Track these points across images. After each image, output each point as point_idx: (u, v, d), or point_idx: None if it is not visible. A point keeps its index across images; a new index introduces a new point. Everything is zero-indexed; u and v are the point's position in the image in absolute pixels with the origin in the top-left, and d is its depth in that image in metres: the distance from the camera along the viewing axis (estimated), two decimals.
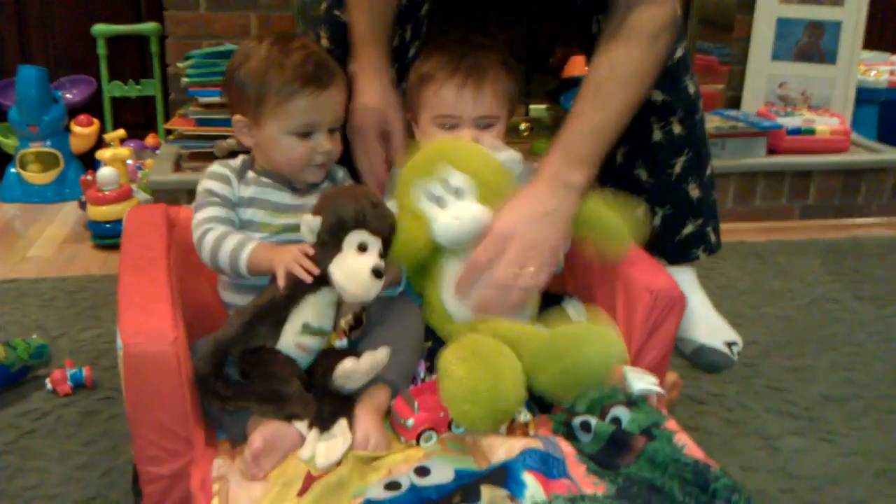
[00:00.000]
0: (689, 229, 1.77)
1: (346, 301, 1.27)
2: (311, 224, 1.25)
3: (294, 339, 1.25)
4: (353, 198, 1.28)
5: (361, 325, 1.30)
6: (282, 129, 1.36)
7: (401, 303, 1.38)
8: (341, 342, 1.28)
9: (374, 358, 1.20)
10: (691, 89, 1.70)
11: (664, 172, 1.73)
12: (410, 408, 1.20)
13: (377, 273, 1.23)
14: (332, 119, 1.39)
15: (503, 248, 1.30)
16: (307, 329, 1.25)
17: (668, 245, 1.78)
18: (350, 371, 1.19)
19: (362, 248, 1.25)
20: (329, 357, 1.26)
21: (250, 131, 1.40)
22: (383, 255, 1.28)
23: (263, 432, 1.13)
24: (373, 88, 1.52)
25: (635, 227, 1.38)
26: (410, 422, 1.19)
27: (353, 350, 1.27)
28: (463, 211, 1.32)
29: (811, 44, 3.19)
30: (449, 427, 1.21)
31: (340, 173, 1.49)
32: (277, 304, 1.24)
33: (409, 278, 1.41)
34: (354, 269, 1.23)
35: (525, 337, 1.24)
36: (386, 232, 1.28)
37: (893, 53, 3.50)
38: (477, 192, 1.33)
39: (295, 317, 1.25)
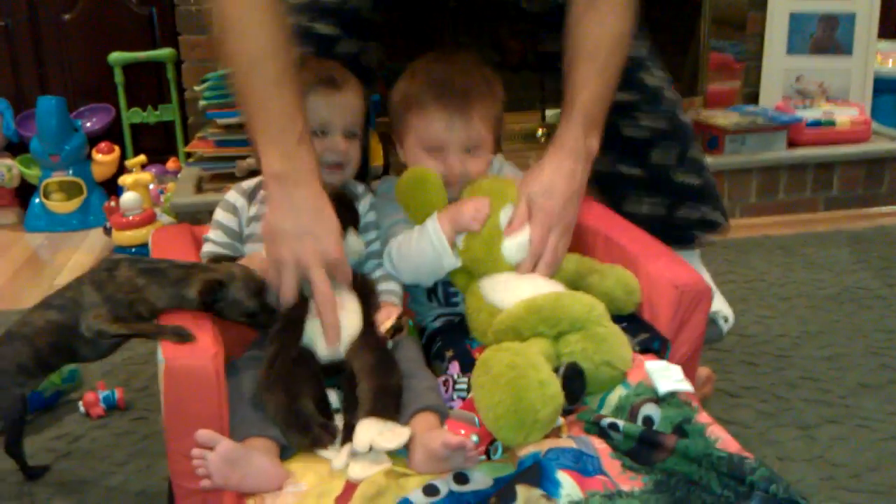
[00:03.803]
0: (684, 213, 1.76)
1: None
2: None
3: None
4: None
5: (402, 331, 1.28)
6: None
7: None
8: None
9: (400, 438, 1.13)
10: (650, 82, 1.70)
11: (646, 164, 1.73)
12: (469, 424, 1.17)
13: None
14: (346, 121, 1.42)
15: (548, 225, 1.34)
16: None
17: (668, 230, 1.77)
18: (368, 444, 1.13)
19: None
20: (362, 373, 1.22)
21: None
22: None
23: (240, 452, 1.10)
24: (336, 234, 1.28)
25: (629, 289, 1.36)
26: (475, 438, 1.15)
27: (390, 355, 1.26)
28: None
29: (826, 36, 3.18)
30: None
31: (360, 188, 1.49)
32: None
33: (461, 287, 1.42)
34: None
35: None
36: None
37: None
38: None
39: None
